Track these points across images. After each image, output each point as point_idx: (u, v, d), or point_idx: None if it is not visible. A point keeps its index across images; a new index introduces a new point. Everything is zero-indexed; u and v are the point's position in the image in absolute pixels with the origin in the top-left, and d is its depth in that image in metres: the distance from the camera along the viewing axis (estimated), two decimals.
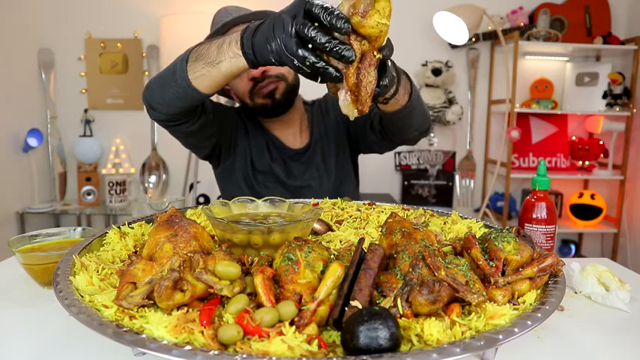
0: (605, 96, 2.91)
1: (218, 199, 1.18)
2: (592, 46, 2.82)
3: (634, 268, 1.60)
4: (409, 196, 3.12)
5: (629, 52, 2.89)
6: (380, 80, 0.71)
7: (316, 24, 0.66)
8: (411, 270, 0.61)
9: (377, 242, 0.69)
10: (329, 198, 1.17)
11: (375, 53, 0.68)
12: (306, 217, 0.82)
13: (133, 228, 0.89)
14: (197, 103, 1.09)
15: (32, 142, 2.75)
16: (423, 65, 3.00)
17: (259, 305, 0.56)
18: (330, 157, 1.48)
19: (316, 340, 0.50)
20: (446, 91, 3.00)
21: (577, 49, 2.88)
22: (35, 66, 2.92)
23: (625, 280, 0.85)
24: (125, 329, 0.51)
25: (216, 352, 0.47)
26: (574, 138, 3.13)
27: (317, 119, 1.52)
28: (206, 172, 2.76)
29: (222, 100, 2.40)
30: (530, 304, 0.61)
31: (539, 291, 0.65)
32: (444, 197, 3.12)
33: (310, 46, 0.68)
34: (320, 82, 0.70)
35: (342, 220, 0.99)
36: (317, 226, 0.92)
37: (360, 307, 0.54)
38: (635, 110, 2.91)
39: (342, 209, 1.07)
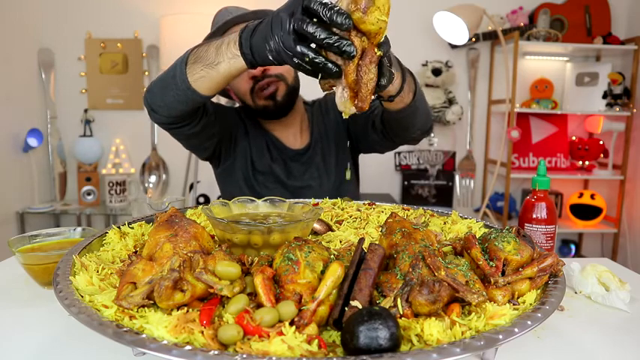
0: (605, 96, 2.91)
1: (218, 199, 1.18)
2: (592, 46, 2.82)
3: (634, 268, 1.60)
4: (409, 196, 3.12)
5: (629, 52, 2.89)
6: (380, 79, 0.71)
7: (315, 20, 0.66)
8: (411, 270, 0.61)
9: (377, 242, 0.69)
10: (329, 198, 1.17)
11: (376, 50, 0.67)
12: (306, 217, 0.82)
13: (133, 228, 0.89)
14: (198, 105, 1.09)
15: (32, 142, 2.75)
16: (423, 65, 3.00)
17: (259, 305, 0.56)
18: (330, 157, 1.48)
19: (316, 340, 0.50)
20: (446, 91, 3.00)
21: (577, 49, 2.88)
22: (35, 66, 2.92)
23: (625, 280, 0.85)
24: (125, 329, 0.51)
25: (216, 352, 0.47)
26: (574, 138, 3.13)
27: (317, 119, 1.52)
28: (206, 172, 2.76)
29: (223, 100, 2.40)
30: (530, 304, 0.61)
31: (539, 291, 0.65)
32: (444, 197, 3.12)
33: (310, 43, 0.68)
34: (321, 79, 0.70)
35: (342, 220, 0.99)
36: (317, 226, 0.92)
37: (360, 307, 0.54)
38: (635, 110, 2.91)
39: (342, 209, 1.07)
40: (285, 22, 0.69)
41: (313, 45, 0.68)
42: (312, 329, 0.51)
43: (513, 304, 0.61)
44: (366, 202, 1.15)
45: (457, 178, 3.16)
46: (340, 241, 0.86)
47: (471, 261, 0.68)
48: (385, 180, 3.17)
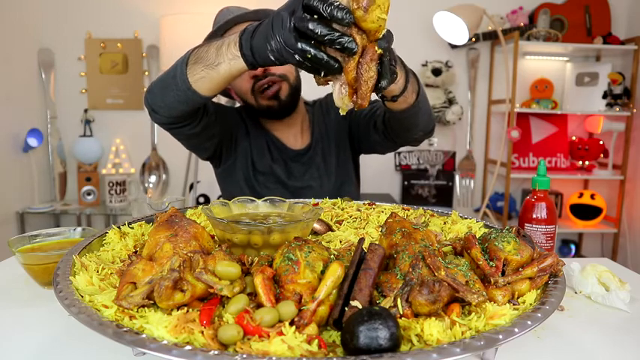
0: (605, 96, 2.91)
1: (218, 199, 1.18)
2: (592, 46, 2.82)
3: (634, 268, 1.60)
4: (409, 196, 3.12)
5: (629, 52, 2.89)
6: (380, 78, 0.71)
7: (316, 17, 0.66)
8: (411, 270, 0.61)
9: (377, 242, 0.69)
10: (329, 198, 1.17)
11: (377, 48, 0.68)
12: (306, 217, 0.82)
13: (133, 228, 0.89)
14: (198, 105, 1.09)
15: (32, 142, 2.75)
16: (423, 65, 3.00)
17: (259, 305, 0.56)
18: (330, 157, 1.48)
19: (316, 340, 0.50)
20: (446, 91, 3.00)
21: (577, 49, 2.88)
22: (35, 66, 2.92)
23: (625, 280, 0.85)
24: (125, 329, 0.51)
25: (216, 352, 0.47)
26: (574, 138, 3.13)
27: (318, 119, 1.51)
28: (206, 172, 2.77)
29: (223, 100, 2.40)
30: (530, 304, 0.61)
31: (539, 291, 0.65)
32: (444, 197, 3.12)
33: (311, 41, 0.68)
34: (323, 76, 0.70)
35: (342, 220, 0.99)
36: (317, 226, 0.92)
37: (360, 307, 0.54)
38: (635, 110, 2.91)
39: (342, 209, 1.07)
40: (286, 21, 0.69)
41: (314, 43, 0.68)
42: (312, 329, 0.51)
43: (513, 304, 0.61)
44: (366, 202, 1.15)
45: (457, 178, 3.16)
46: (340, 241, 0.86)
47: (471, 261, 0.68)
48: (385, 180, 3.17)
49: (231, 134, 1.43)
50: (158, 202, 1.20)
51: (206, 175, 2.86)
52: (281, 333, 0.50)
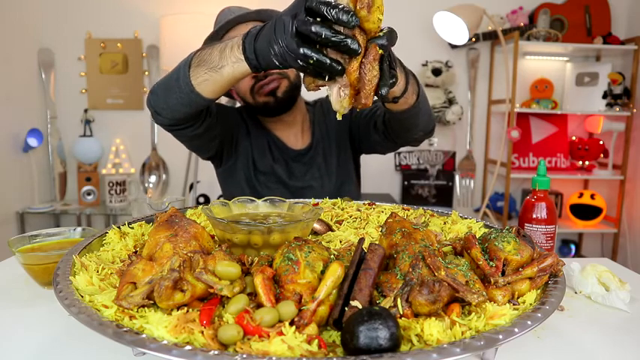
0: (605, 96, 2.91)
1: (218, 198, 1.18)
2: (592, 46, 2.82)
3: (634, 268, 1.60)
4: (409, 196, 3.12)
5: (629, 52, 2.89)
6: (381, 79, 0.71)
7: (318, 19, 0.66)
8: (411, 270, 0.61)
9: (377, 242, 0.69)
10: (330, 198, 1.17)
11: (378, 48, 0.68)
12: (306, 217, 0.82)
13: (133, 228, 0.89)
14: (201, 107, 1.09)
15: (32, 142, 2.75)
16: (423, 65, 3.00)
17: (259, 305, 0.56)
18: (331, 157, 1.48)
19: (316, 340, 0.50)
20: (446, 91, 3.00)
21: (577, 49, 2.88)
22: (35, 66, 2.92)
23: (625, 280, 0.85)
24: (125, 329, 0.51)
25: (216, 352, 0.47)
26: (574, 138, 3.13)
27: (319, 119, 1.52)
28: (206, 172, 2.77)
29: (224, 99, 2.40)
30: (530, 304, 0.61)
31: (539, 291, 0.65)
32: (444, 197, 3.12)
33: (314, 44, 0.68)
34: (328, 80, 0.70)
35: (342, 220, 0.99)
36: (317, 226, 0.92)
37: (360, 307, 0.54)
38: (635, 110, 2.91)
39: (342, 209, 1.07)
40: (288, 25, 0.68)
41: (317, 46, 0.68)
42: (312, 329, 0.51)
43: (513, 304, 0.61)
44: (366, 202, 1.15)
45: (457, 178, 3.16)
46: (340, 241, 0.86)
47: (471, 261, 0.68)
48: (385, 180, 3.17)
49: (232, 134, 1.43)
50: (158, 202, 1.20)
51: (206, 175, 2.86)
52: (281, 333, 0.50)
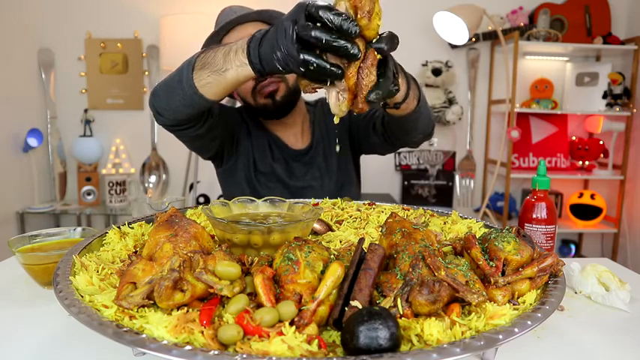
0: (605, 96, 2.91)
1: (218, 198, 1.18)
2: (592, 46, 2.82)
3: (634, 268, 1.60)
4: (409, 196, 3.12)
5: (629, 52, 2.89)
6: (379, 83, 0.71)
7: (318, 24, 0.66)
8: (411, 270, 0.61)
9: (377, 242, 0.69)
10: (330, 199, 1.17)
11: (376, 53, 0.68)
12: (306, 217, 0.82)
13: (133, 228, 0.89)
14: (204, 109, 1.09)
15: (32, 142, 2.75)
16: (423, 65, 3.00)
17: (259, 305, 0.56)
18: (331, 157, 1.48)
19: (316, 340, 0.50)
20: (446, 91, 3.00)
21: (577, 49, 2.88)
22: (35, 66, 2.92)
23: (625, 280, 0.85)
24: (125, 329, 0.51)
25: (216, 352, 0.47)
26: (574, 138, 3.13)
27: (319, 119, 1.52)
28: (206, 172, 2.77)
29: (224, 99, 2.40)
30: (530, 304, 0.61)
31: (539, 291, 0.65)
32: (444, 197, 3.12)
33: (314, 50, 0.68)
34: (329, 85, 0.70)
35: (342, 220, 0.99)
36: (317, 226, 0.92)
37: (360, 307, 0.54)
38: (635, 110, 2.91)
39: (342, 209, 1.07)
40: (289, 30, 0.68)
41: (317, 51, 0.68)
42: (312, 329, 0.51)
43: (513, 304, 0.61)
44: (366, 202, 1.15)
45: (457, 178, 3.17)
46: (340, 241, 0.86)
47: (471, 261, 0.68)
48: (385, 180, 3.17)
49: (232, 134, 1.43)
50: (158, 202, 1.20)
51: (206, 175, 2.86)
52: (281, 333, 0.50)
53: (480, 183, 3.22)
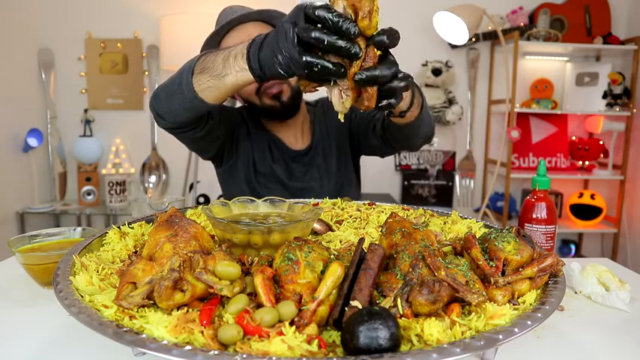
0: (605, 96, 2.91)
1: (218, 198, 1.18)
2: (592, 46, 2.82)
3: (634, 268, 1.60)
4: (409, 196, 3.12)
5: (629, 52, 2.89)
6: (384, 98, 0.72)
7: (319, 25, 0.66)
8: (411, 270, 0.61)
9: (377, 242, 0.69)
10: (330, 199, 1.17)
11: (376, 50, 0.68)
12: (306, 217, 0.82)
13: (133, 228, 0.89)
14: (204, 113, 1.09)
15: (32, 142, 2.75)
16: (423, 65, 3.00)
17: (259, 305, 0.56)
18: (331, 158, 1.48)
19: (316, 340, 0.50)
20: (446, 91, 3.00)
21: (577, 49, 2.88)
22: (35, 66, 2.92)
23: (625, 280, 0.85)
24: (125, 329, 0.51)
25: (216, 352, 0.47)
26: (574, 138, 3.13)
27: (319, 120, 1.52)
28: (206, 172, 2.77)
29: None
30: (530, 304, 0.61)
31: (539, 291, 0.65)
32: (444, 197, 3.12)
33: (316, 50, 0.68)
34: (333, 83, 0.70)
35: (342, 220, 0.99)
36: (317, 226, 0.92)
37: (360, 307, 0.54)
38: (635, 110, 2.91)
39: (342, 209, 1.07)
40: (290, 33, 0.68)
41: (318, 52, 0.68)
42: (312, 329, 0.51)
43: (513, 304, 0.61)
44: (366, 202, 1.15)
45: (457, 178, 3.17)
46: (340, 241, 0.86)
47: (471, 261, 0.68)
48: (385, 180, 3.17)
49: (232, 135, 1.43)
50: (158, 202, 1.20)
51: (206, 175, 2.86)
52: (281, 333, 0.50)
53: (480, 183, 3.22)
